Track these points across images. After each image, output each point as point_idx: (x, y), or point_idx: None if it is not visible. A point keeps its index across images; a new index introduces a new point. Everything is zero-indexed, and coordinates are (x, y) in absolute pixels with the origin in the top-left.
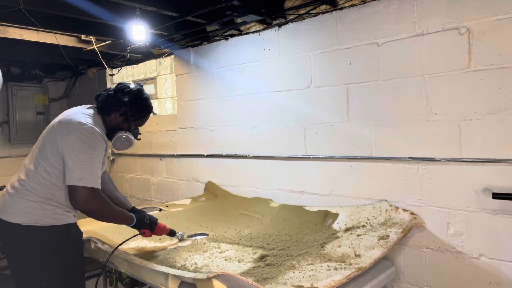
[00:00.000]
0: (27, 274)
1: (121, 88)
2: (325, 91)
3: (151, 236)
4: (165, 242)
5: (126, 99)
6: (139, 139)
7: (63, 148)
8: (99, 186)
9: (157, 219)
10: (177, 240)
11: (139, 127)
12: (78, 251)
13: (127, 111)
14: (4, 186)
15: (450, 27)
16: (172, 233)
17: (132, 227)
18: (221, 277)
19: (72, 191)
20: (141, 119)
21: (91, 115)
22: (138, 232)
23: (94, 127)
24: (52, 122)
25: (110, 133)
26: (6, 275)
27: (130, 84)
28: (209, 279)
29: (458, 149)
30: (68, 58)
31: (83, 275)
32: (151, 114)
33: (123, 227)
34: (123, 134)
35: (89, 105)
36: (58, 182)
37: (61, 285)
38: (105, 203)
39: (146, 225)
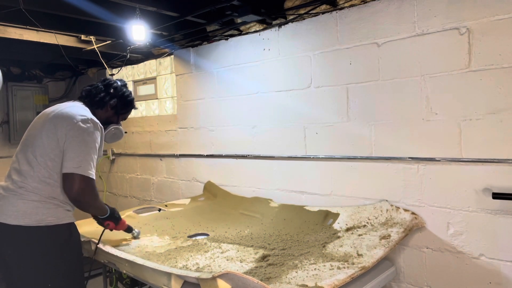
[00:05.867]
0: (30, 277)
1: (110, 83)
2: (325, 91)
3: (113, 229)
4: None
5: (117, 93)
6: (126, 132)
7: (65, 140)
8: (93, 177)
9: (120, 215)
10: (131, 236)
11: (121, 122)
12: (78, 251)
13: (117, 105)
14: None
15: (450, 27)
16: (129, 229)
17: (103, 219)
18: (226, 276)
19: (68, 178)
20: (127, 112)
21: (85, 108)
22: (102, 225)
23: (93, 118)
24: (42, 118)
25: None
26: None
27: (115, 79)
28: (214, 278)
29: (458, 149)
30: (68, 58)
31: (83, 275)
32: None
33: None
34: (114, 126)
35: (74, 101)
36: (59, 178)
37: (65, 286)
38: (96, 195)
39: (114, 218)
